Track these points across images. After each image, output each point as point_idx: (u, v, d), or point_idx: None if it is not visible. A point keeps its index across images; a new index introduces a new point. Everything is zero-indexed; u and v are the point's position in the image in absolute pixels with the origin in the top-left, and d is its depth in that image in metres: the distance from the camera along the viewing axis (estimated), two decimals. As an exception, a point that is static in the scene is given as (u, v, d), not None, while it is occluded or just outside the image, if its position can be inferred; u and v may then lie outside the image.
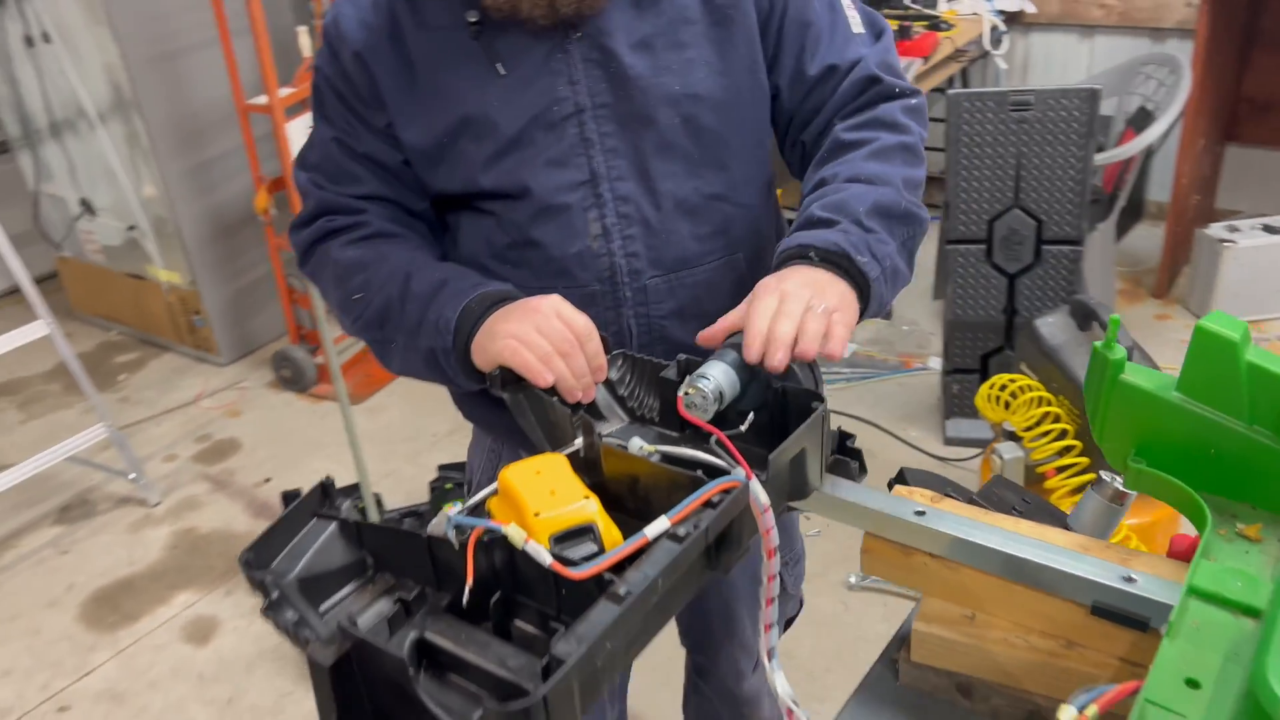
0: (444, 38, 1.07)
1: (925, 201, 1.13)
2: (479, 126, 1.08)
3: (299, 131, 3.06)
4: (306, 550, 0.79)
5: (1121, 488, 0.95)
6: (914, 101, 1.15)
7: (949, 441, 2.89)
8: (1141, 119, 3.25)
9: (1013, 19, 3.94)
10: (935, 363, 3.22)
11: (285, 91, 3.06)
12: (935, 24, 3.62)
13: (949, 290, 2.74)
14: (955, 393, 2.87)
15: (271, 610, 0.73)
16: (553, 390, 0.94)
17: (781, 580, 1.45)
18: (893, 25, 3.58)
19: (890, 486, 0.96)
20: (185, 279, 3.61)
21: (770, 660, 0.78)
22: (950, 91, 2.57)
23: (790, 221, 1.16)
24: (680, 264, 1.13)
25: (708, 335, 0.98)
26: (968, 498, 0.95)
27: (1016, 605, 0.83)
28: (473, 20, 1.05)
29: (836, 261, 0.98)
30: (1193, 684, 0.66)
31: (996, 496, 1.00)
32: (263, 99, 3.05)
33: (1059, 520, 0.97)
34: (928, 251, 3.47)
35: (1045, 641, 0.82)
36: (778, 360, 0.88)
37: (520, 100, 1.07)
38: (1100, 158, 2.98)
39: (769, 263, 1.07)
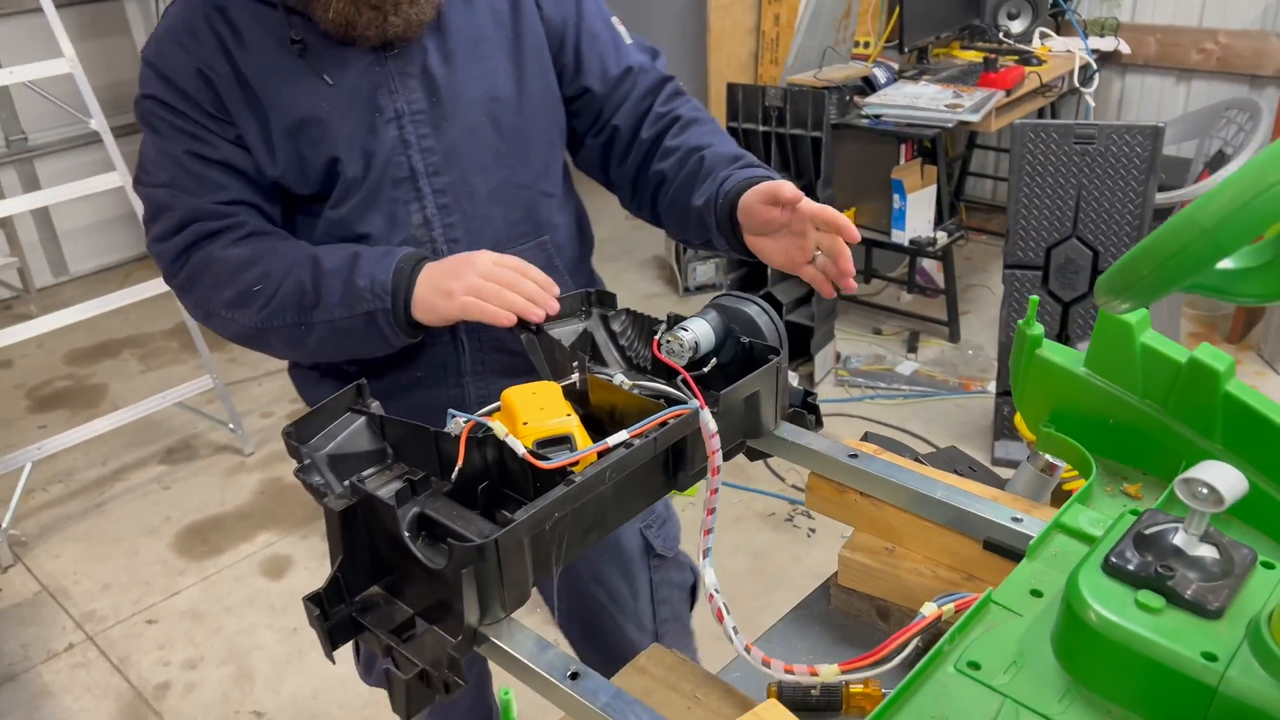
0: (270, 54, 1.19)
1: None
2: (314, 130, 1.20)
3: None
4: (338, 435, 0.97)
5: (1051, 460, 1.07)
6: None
7: (996, 462, 2.95)
8: (1218, 162, 3.26)
9: (1108, 59, 3.97)
10: (994, 387, 3.28)
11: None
12: (1025, 59, 3.69)
13: (1003, 313, 2.82)
14: (1005, 414, 2.94)
15: (303, 472, 0.91)
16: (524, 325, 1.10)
17: (648, 543, 1.58)
18: (977, 57, 3.67)
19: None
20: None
21: (704, 558, 0.93)
22: (1016, 121, 2.66)
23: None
24: (496, 246, 1.24)
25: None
26: (914, 457, 1.09)
27: (928, 540, 0.96)
28: (296, 39, 1.18)
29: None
30: (1036, 594, 0.79)
31: (945, 459, 1.12)
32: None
33: (996, 485, 1.09)
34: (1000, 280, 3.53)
35: (949, 573, 0.95)
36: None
37: (351, 106, 1.20)
38: (1167, 196, 3.01)
39: (571, 243, 1.39)
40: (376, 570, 0.89)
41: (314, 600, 0.85)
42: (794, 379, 3.43)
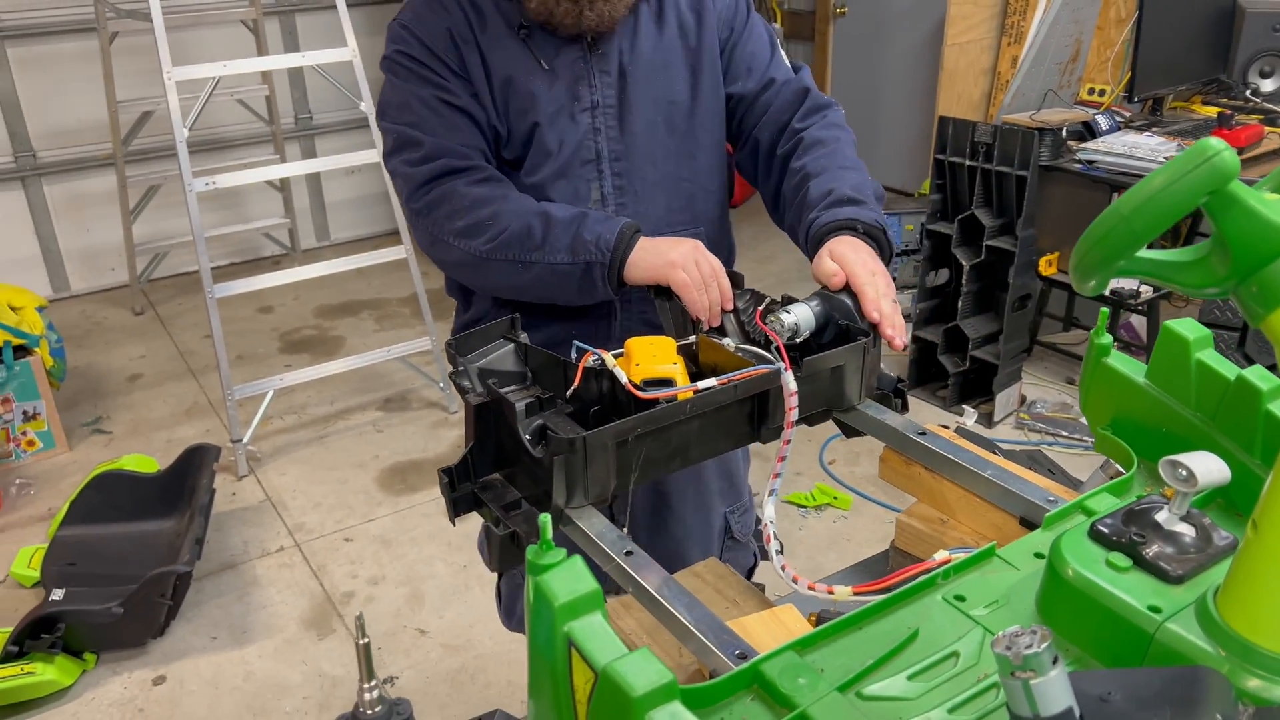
0: (503, 35, 1.40)
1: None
2: (527, 103, 1.40)
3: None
4: (490, 354, 1.19)
5: (1119, 468, 1.13)
6: (841, 111, 1.51)
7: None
8: None
9: (1369, 126, 3.70)
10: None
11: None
12: (1272, 119, 3.52)
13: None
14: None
15: (455, 375, 1.13)
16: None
17: (728, 525, 1.73)
18: (1211, 113, 3.54)
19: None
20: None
21: (770, 495, 1.07)
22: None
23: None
24: (656, 229, 1.42)
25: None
26: (991, 448, 1.18)
27: (976, 514, 1.06)
28: (523, 25, 1.40)
29: (875, 236, 1.27)
30: (1039, 556, 0.89)
31: (1027, 458, 1.21)
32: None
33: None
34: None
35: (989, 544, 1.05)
36: (899, 343, 1.17)
37: (557, 91, 1.41)
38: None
39: (722, 233, 1.56)
40: (499, 461, 1.09)
41: (446, 473, 1.06)
42: (971, 416, 3.43)
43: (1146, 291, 3.33)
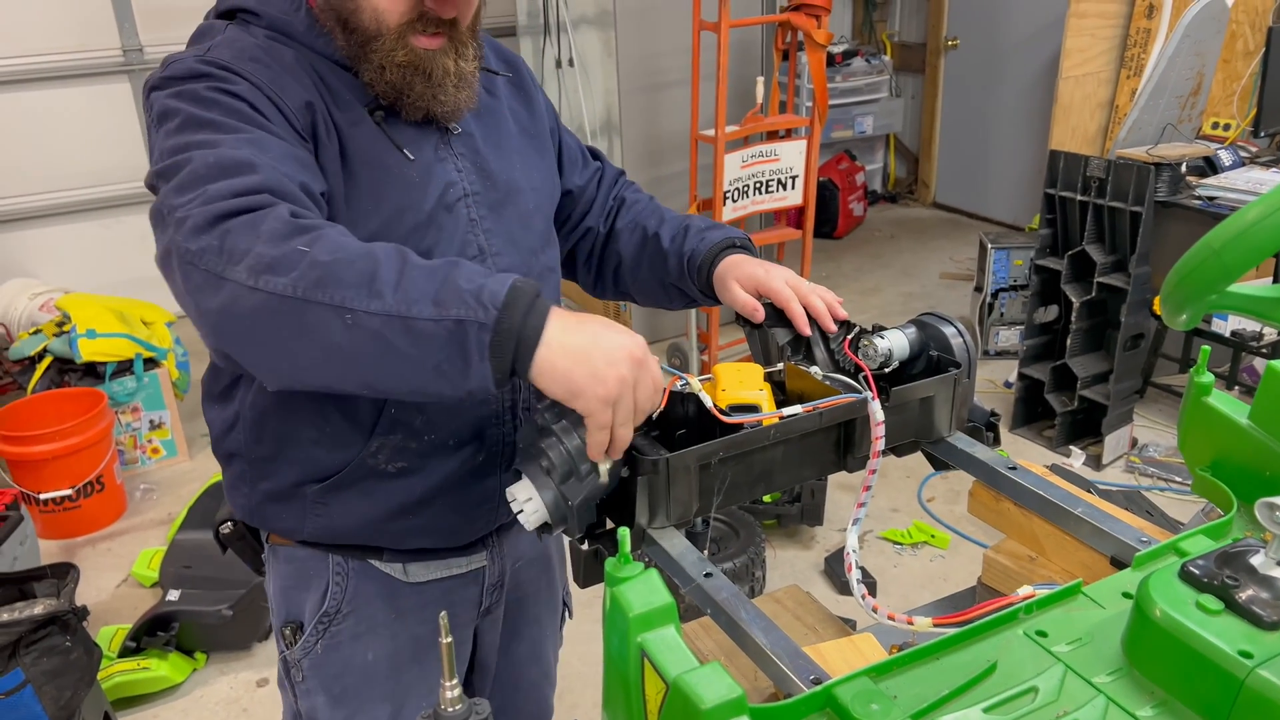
0: (358, 116, 1.16)
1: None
2: (397, 191, 1.16)
3: (733, 163, 3.62)
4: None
5: (1220, 512, 1.09)
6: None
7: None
8: None
9: None
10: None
11: (731, 128, 3.64)
12: None
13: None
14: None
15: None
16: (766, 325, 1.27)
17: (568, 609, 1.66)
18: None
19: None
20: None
21: (853, 525, 1.07)
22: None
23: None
24: None
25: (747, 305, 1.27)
26: (1086, 487, 1.16)
27: (1065, 553, 1.04)
28: (378, 106, 1.17)
29: (749, 248, 1.35)
30: (1127, 596, 0.87)
31: (1124, 499, 1.18)
32: (710, 132, 3.65)
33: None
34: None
35: (1081, 586, 1.03)
36: (831, 323, 1.22)
37: (429, 182, 1.19)
38: None
39: None
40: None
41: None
42: (1078, 457, 3.35)
43: (1271, 334, 3.19)
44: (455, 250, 1.20)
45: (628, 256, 1.44)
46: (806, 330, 1.23)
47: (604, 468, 0.97)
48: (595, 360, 0.90)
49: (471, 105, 1.22)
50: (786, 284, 1.25)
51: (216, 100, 1.05)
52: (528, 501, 0.97)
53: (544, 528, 0.99)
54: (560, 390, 0.91)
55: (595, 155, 1.54)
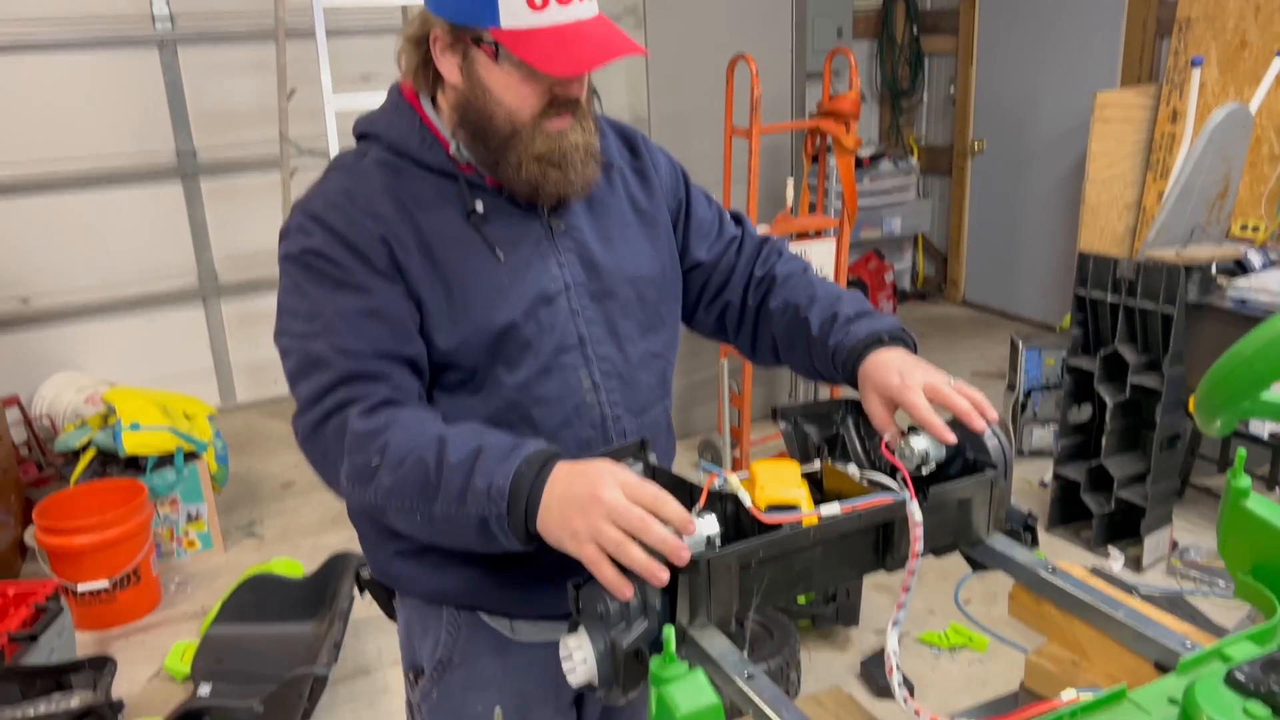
0: (453, 224, 1.25)
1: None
2: (496, 296, 1.24)
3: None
4: (622, 474, 1.24)
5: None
6: (786, 242, 1.52)
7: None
8: None
9: None
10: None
11: (762, 228, 3.71)
12: None
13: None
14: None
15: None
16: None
17: None
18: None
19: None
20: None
21: (893, 626, 1.07)
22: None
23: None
24: (643, 409, 1.37)
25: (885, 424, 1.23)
26: (1126, 588, 1.15)
27: (1109, 657, 1.03)
28: (474, 211, 1.25)
29: (901, 338, 1.29)
30: (1172, 702, 0.86)
31: (1167, 603, 1.17)
32: (743, 232, 3.73)
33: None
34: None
35: (1125, 692, 1.02)
36: (979, 424, 1.16)
37: (521, 282, 1.26)
38: None
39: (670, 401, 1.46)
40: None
41: (575, 586, 1.10)
42: (1117, 559, 3.33)
43: (1310, 435, 3.16)
44: (556, 339, 1.29)
45: (781, 338, 1.43)
46: (950, 440, 1.17)
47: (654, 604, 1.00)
48: (568, 513, 1.02)
49: (595, 178, 1.30)
50: (924, 390, 1.18)
51: (304, 274, 1.22)
52: (578, 650, 0.99)
53: (589, 687, 1.00)
54: (559, 545, 1.05)
55: (737, 220, 1.54)
